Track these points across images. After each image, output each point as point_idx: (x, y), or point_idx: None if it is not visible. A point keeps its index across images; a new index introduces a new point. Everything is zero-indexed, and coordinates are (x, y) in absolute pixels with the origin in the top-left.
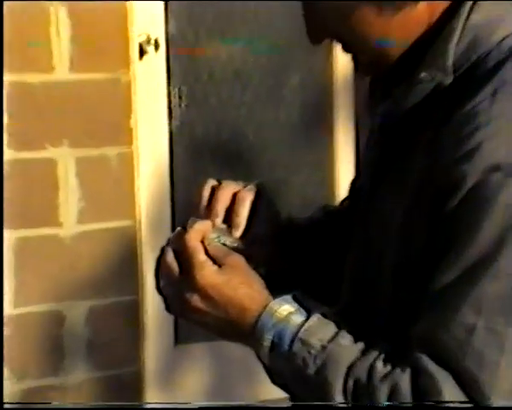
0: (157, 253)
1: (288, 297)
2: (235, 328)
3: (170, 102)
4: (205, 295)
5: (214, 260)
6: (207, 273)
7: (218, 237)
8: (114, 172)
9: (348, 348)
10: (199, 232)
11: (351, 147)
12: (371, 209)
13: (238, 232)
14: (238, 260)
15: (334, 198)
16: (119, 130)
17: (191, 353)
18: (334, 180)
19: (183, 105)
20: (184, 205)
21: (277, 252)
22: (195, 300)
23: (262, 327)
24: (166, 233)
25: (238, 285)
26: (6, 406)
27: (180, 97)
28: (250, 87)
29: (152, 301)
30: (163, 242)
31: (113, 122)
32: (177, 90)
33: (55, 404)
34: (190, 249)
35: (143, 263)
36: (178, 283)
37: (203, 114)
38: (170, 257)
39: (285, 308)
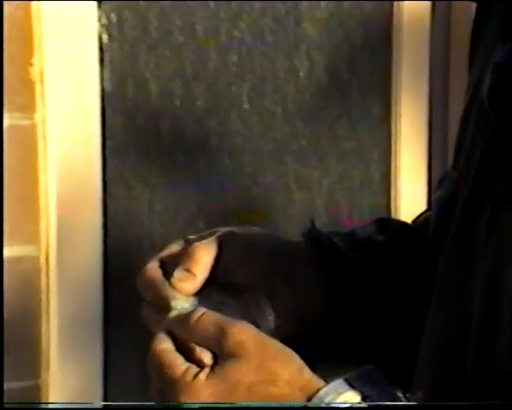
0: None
1: (353, 377)
2: None
3: (100, 37)
4: None
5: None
6: (196, 393)
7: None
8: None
9: None
10: (163, 340)
11: (421, 125)
12: (477, 233)
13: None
14: (241, 335)
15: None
16: (13, 81)
17: None
18: (390, 184)
19: (117, 43)
20: (125, 217)
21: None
22: None
23: None
24: (96, 269)
25: (252, 389)
26: (6, 406)
27: (108, 30)
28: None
29: (64, 388)
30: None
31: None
32: (113, 17)
33: (55, 404)
34: (158, 366)
35: (52, 321)
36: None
37: (157, 59)
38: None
39: (347, 397)
